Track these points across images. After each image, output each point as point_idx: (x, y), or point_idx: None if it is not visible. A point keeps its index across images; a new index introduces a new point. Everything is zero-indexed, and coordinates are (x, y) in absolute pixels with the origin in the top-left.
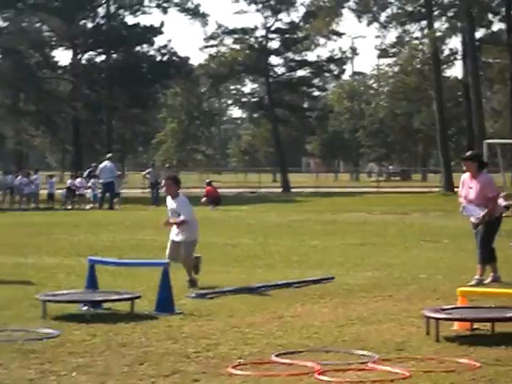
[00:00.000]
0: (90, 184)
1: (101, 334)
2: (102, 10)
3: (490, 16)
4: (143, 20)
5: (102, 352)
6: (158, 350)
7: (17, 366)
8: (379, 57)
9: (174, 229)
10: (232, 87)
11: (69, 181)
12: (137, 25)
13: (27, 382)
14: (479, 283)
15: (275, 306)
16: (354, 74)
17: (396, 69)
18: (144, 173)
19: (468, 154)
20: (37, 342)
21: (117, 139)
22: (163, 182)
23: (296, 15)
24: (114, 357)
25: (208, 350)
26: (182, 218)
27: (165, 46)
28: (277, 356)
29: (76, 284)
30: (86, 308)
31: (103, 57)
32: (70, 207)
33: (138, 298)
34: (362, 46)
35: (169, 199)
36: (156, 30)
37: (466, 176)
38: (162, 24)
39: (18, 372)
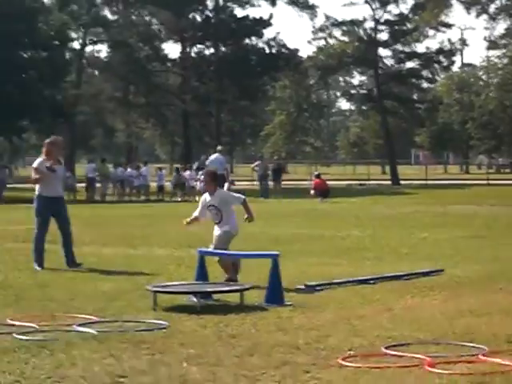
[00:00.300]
0: (199, 176)
1: (211, 325)
2: (210, 3)
3: None
4: (252, 12)
5: (212, 343)
6: (268, 341)
7: (128, 356)
8: (488, 48)
9: (216, 227)
10: (341, 79)
11: (175, 173)
12: (246, 17)
13: (138, 372)
14: None
15: (385, 299)
16: (464, 65)
17: (505, 60)
18: (253, 165)
19: None
20: (147, 332)
21: (225, 132)
22: (202, 177)
23: (405, 7)
24: (225, 348)
25: (318, 341)
26: (238, 202)
27: (274, 39)
28: (387, 348)
29: (186, 275)
30: (196, 299)
31: (212, 49)
32: (179, 199)
33: (248, 289)
34: (471, 37)
35: (206, 195)
36: (265, 23)
37: None
38: (271, 16)
39: (130, 362)
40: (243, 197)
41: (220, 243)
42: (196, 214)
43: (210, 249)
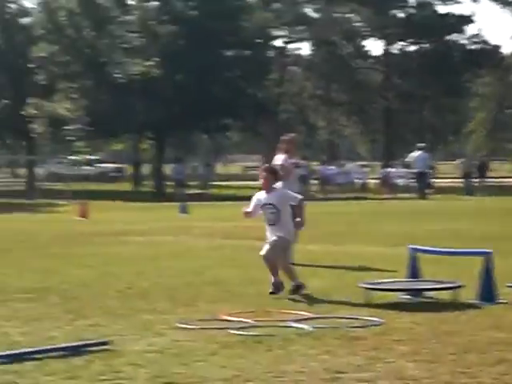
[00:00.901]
0: (402, 174)
1: (425, 322)
2: (412, 0)
3: None
4: (454, 9)
5: (427, 340)
6: (483, 338)
7: (344, 352)
8: None
9: (270, 229)
10: None
11: (381, 170)
12: (448, 14)
13: (355, 367)
14: None
15: None
16: None
17: None
18: (457, 162)
19: None
20: (361, 329)
21: (427, 129)
22: (260, 173)
23: None
24: (440, 345)
25: None
26: (295, 201)
27: (476, 35)
28: None
29: (394, 273)
30: (407, 297)
31: (414, 46)
32: (384, 196)
33: (461, 287)
34: None
35: (262, 193)
36: (467, 19)
37: None
38: (473, 13)
39: (346, 358)
40: (301, 197)
41: (275, 251)
42: (249, 209)
43: (262, 253)
